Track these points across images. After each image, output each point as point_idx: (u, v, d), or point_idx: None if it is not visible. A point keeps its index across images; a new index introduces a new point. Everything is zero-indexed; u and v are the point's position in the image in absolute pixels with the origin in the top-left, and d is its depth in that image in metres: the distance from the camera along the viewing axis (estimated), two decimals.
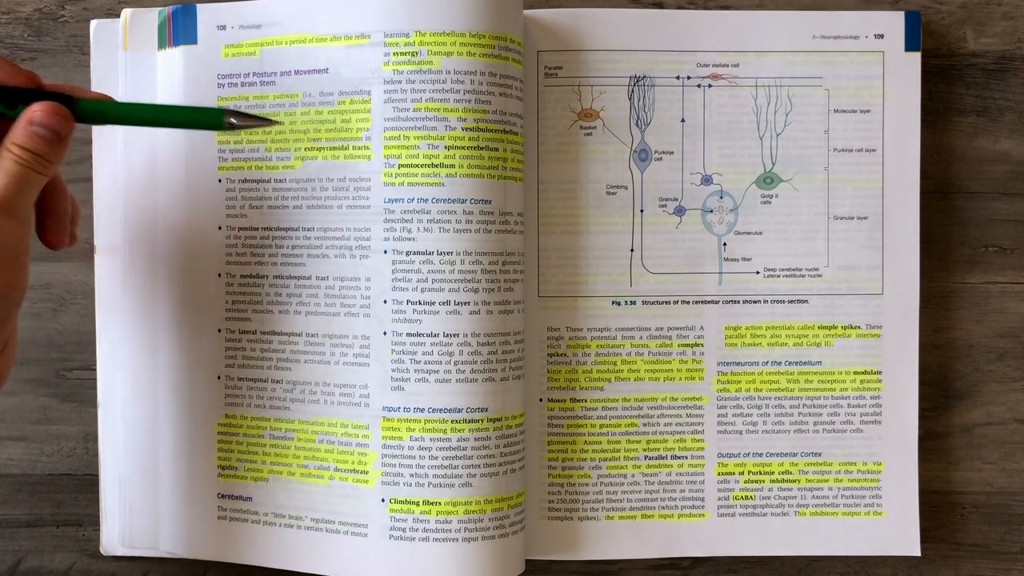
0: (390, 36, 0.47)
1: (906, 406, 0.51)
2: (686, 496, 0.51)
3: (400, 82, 0.47)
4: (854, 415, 0.51)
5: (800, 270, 0.51)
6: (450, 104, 0.46)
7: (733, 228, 0.51)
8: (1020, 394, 0.52)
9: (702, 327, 0.51)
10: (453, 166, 0.46)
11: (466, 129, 0.46)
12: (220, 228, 0.50)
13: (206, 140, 0.50)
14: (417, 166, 0.47)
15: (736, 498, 0.51)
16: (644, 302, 0.50)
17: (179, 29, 0.50)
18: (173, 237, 0.50)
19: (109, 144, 0.50)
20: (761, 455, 0.51)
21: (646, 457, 0.51)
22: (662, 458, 0.51)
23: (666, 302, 0.50)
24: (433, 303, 0.47)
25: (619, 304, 0.50)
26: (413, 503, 0.47)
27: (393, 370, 0.47)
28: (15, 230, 0.40)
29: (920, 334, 0.51)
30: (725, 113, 0.50)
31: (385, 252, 0.47)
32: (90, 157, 0.51)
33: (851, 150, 0.50)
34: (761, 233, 0.51)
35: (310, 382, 0.49)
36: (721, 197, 0.50)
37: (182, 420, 0.50)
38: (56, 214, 0.44)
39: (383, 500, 0.47)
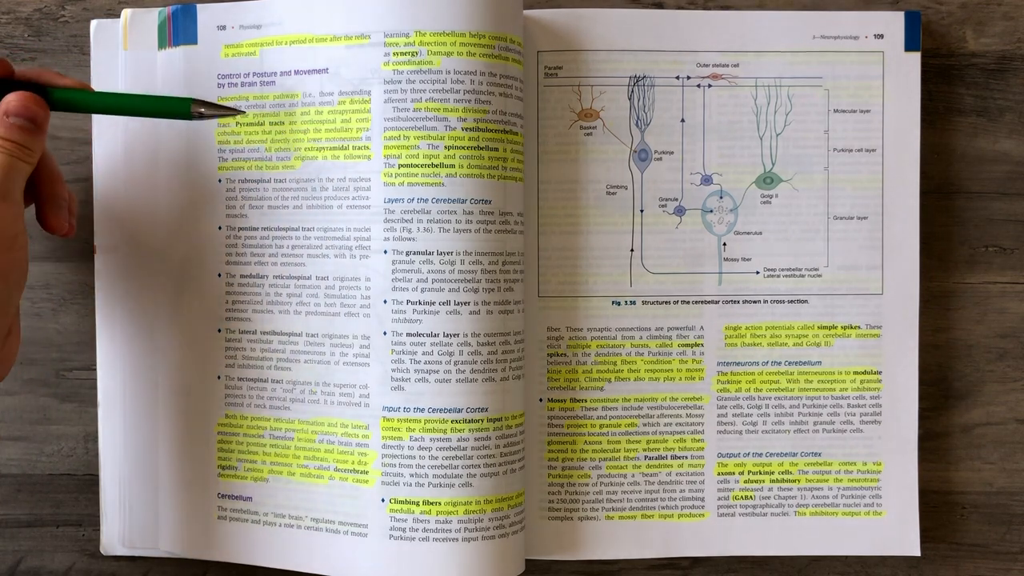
0: (390, 36, 0.47)
1: (906, 406, 0.51)
2: (686, 496, 0.51)
3: (400, 82, 0.47)
4: (854, 415, 0.51)
5: (800, 270, 0.51)
6: (450, 104, 0.46)
7: (733, 228, 0.51)
8: (1020, 394, 0.52)
9: (702, 327, 0.51)
10: (453, 166, 0.46)
11: (466, 129, 0.47)
12: (220, 228, 0.50)
13: (206, 140, 0.50)
14: (417, 166, 0.47)
15: (736, 498, 0.51)
16: (644, 302, 0.50)
17: (179, 29, 0.50)
18: (173, 237, 0.50)
19: (109, 144, 0.50)
20: (761, 455, 0.51)
21: (646, 457, 0.51)
22: (662, 458, 0.51)
23: (666, 302, 0.50)
24: (433, 303, 0.47)
25: (619, 304, 0.50)
26: (413, 503, 0.47)
27: (393, 370, 0.47)
28: (9, 212, 0.42)
29: (920, 334, 0.51)
30: (725, 113, 0.50)
31: (385, 252, 0.47)
32: (90, 157, 0.51)
33: (851, 150, 0.50)
34: (761, 233, 0.51)
35: (310, 382, 0.49)
36: (721, 197, 0.50)
37: (182, 420, 0.50)
38: (54, 199, 0.46)
39: (383, 500, 0.47)
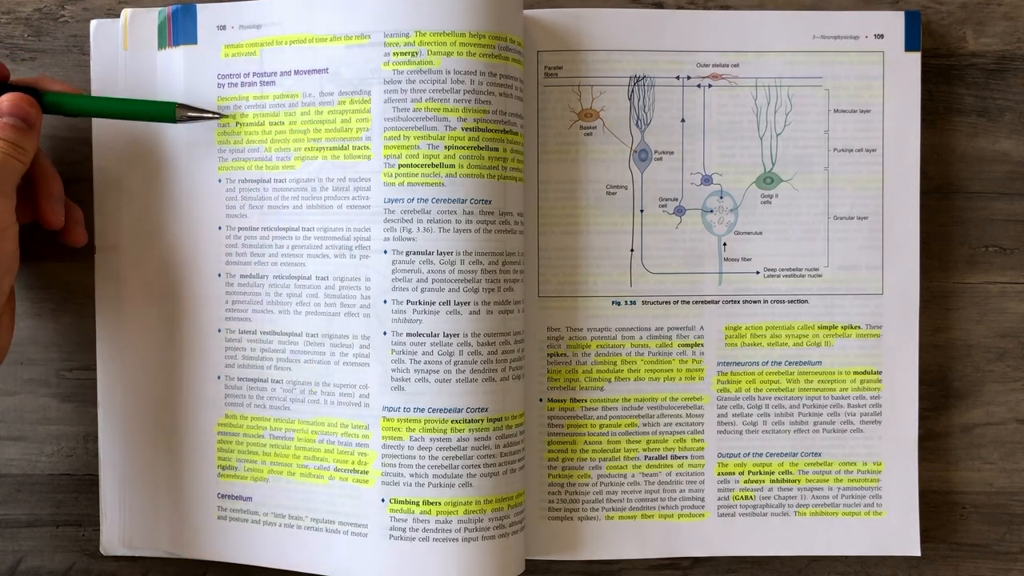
0: (390, 36, 0.47)
1: (906, 406, 0.51)
2: (686, 496, 0.51)
3: (400, 82, 0.47)
4: (854, 415, 0.51)
5: (800, 270, 0.51)
6: (450, 104, 0.46)
7: (733, 228, 0.51)
8: (1020, 394, 0.52)
9: (702, 327, 0.51)
10: (453, 166, 0.46)
11: (466, 129, 0.46)
12: (220, 228, 0.50)
13: (206, 140, 0.50)
14: (417, 166, 0.47)
15: (736, 498, 0.51)
16: (644, 302, 0.50)
17: (179, 29, 0.50)
18: (173, 237, 0.50)
19: (109, 144, 0.50)
20: (761, 455, 0.51)
21: (646, 457, 0.51)
22: (662, 458, 0.51)
23: (666, 302, 0.50)
24: (433, 303, 0.47)
25: (619, 304, 0.50)
26: (413, 503, 0.47)
27: (393, 370, 0.47)
28: (1, 207, 0.44)
29: (920, 334, 0.51)
30: (725, 113, 0.50)
31: (385, 252, 0.47)
32: (90, 157, 0.51)
33: (851, 150, 0.50)
34: (761, 233, 0.51)
35: (310, 382, 0.49)
36: (721, 197, 0.50)
37: (182, 420, 0.50)
38: (49, 195, 0.48)
39: (383, 500, 0.47)
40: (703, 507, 0.51)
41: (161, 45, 0.50)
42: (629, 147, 0.50)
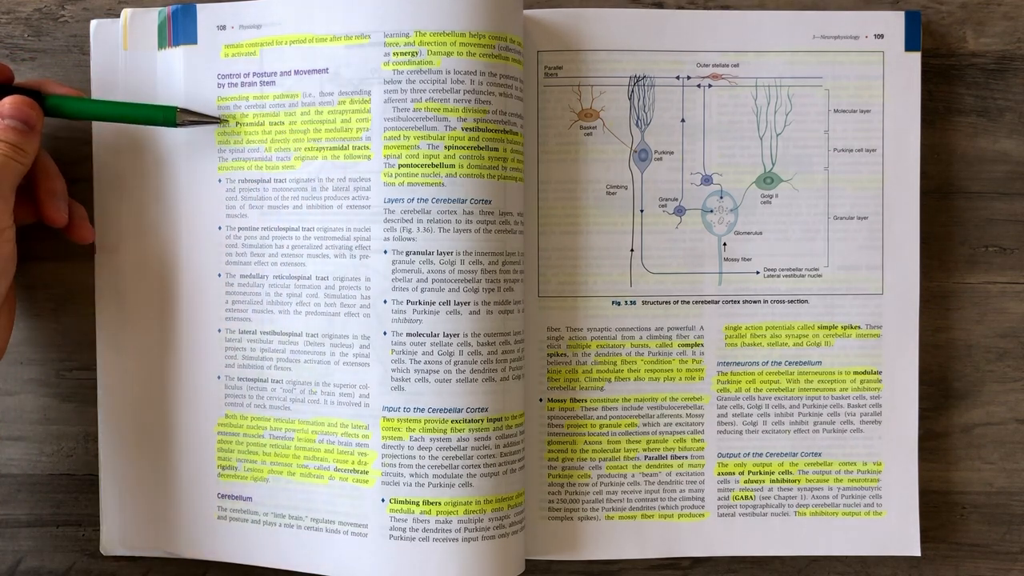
0: (390, 36, 0.47)
1: (906, 406, 0.51)
2: (686, 496, 0.51)
3: (400, 82, 0.47)
4: (854, 415, 0.51)
5: (800, 270, 0.51)
6: (450, 104, 0.46)
7: (733, 228, 0.51)
8: (1020, 394, 0.52)
9: (702, 327, 0.51)
10: (453, 166, 0.46)
11: (466, 129, 0.46)
12: (220, 228, 0.50)
13: (206, 140, 0.50)
14: (417, 166, 0.47)
15: (736, 498, 0.51)
16: (644, 302, 0.50)
17: (179, 29, 0.50)
18: (173, 237, 0.50)
19: (109, 144, 0.50)
20: (761, 455, 0.51)
21: (646, 457, 0.51)
22: (662, 458, 0.51)
23: (666, 302, 0.50)
24: (433, 303, 0.47)
25: (619, 304, 0.50)
26: (413, 503, 0.47)
27: (393, 370, 0.47)
28: None
29: (920, 334, 0.51)
30: (725, 113, 0.50)
31: (385, 252, 0.47)
32: (90, 157, 0.51)
33: (851, 150, 0.50)
34: (761, 233, 0.51)
35: (310, 382, 0.49)
36: (721, 197, 0.50)
37: (182, 420, 0.50)
38: (52, 194, 0.48)
39: (383, 500, 0.47)
40: (703, 507, 0.51)
41: (161, 45, 0.50)
42: (629, 147, 0.50)
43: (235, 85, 0.49)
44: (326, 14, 0.48)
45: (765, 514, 0.51)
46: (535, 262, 0.50)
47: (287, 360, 0.49)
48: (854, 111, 0.50)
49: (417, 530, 0.47)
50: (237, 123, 0.49)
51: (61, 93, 0.48)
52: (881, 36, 0.50)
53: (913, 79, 0.50)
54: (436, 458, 0.47)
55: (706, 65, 0.50)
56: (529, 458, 0.50)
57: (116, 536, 0.51)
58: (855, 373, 0.51)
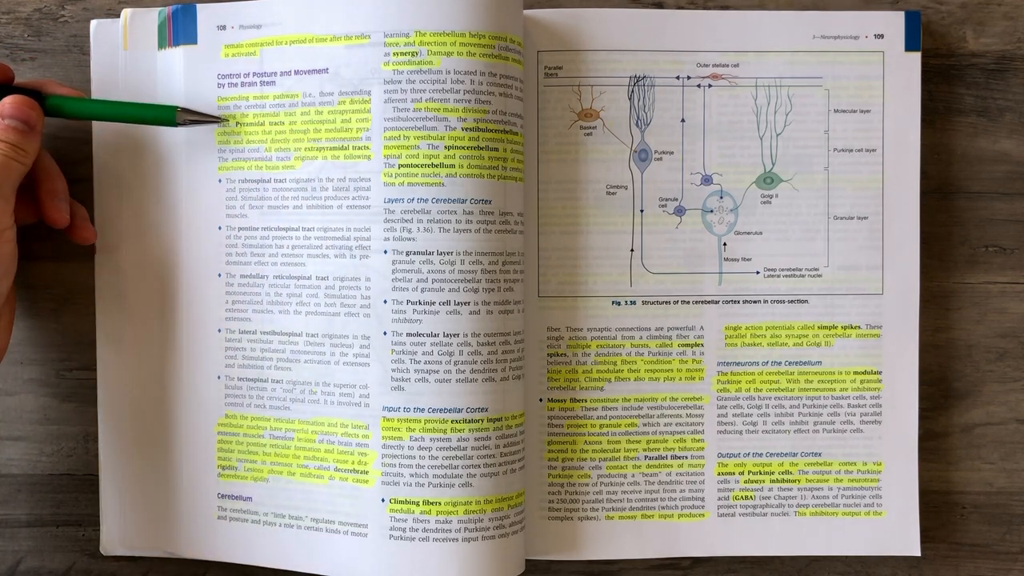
0: (390, 36, 0.47)
1: (906, 406, 0.51)
2: (686, 496, 0.51)
3: (400, 82, 0.47)
4: (854, 415, 0.51)
5: (800, 270, 0.51)
6: (450, 104, 0.46)
7: (733, 228, 0.51)
8: (1020, 394, 0.52)
9: (702, 327, 0.51)
10: (453, 166, 0.46)
11: (466, 129, 0.47)
12: (220, 228, 0.50)
13: (206, 140, 0.50)
14: (417, 166, 0.47)
15: (736, 498, 0.51)
16: (644, 302, 0.50)
17: (179, 29, 0.50)
18: (173, 237, 0.50)
19: (109, 144, 0.50)
20: (761, 455, 0.51)
21: (646, 457, 0.51)
22: (662, 458, 0.51)
23: (666, 302, 0.50)
24: (433, 303, 0.47)
25: (619, 304, 0.50)
26: (413, 503, 0.47)
27: (393, 370, 0.47)
28: None
29: (920, 334, 0.51)
30: (725, 113, 0.50)
31: (385, 252, 0.47)
32: (90, 157, 0.51)
33: (851, 150, 0.50)
34: (761, 233, 0.51)
35: (310, 382, 0.49)
36: (721, 197, 0.50)
37: (182, 420, 0.50)
38: (53, 194, 0.48)
39: (383, 500, 0.47)
40: (703, 507, 0.51)
41: (161, 45, 0.50)
42: (629, 147, 0.50)
43: (235, 85, 0.49)
44: (326, 14, 0.48)
45: (765, 514, 0.51)
46: (535, 262, 0.50)
47: (287, 360, 0.49)
48: (854, 111, 0.50)
49: (417, 530, 0.47)
50: (237, 123, 0.49)
51: (61, 93, 0.48)
52: (881, 36, 0.50)
53: (913, 79, 0.50)
54: (436, 458, 0.47)
55: (706, 65, 0.50)
56: (529, 458, 0.50)
57: (116, 536, 0.51)
58: (855, 373, 0.51)
